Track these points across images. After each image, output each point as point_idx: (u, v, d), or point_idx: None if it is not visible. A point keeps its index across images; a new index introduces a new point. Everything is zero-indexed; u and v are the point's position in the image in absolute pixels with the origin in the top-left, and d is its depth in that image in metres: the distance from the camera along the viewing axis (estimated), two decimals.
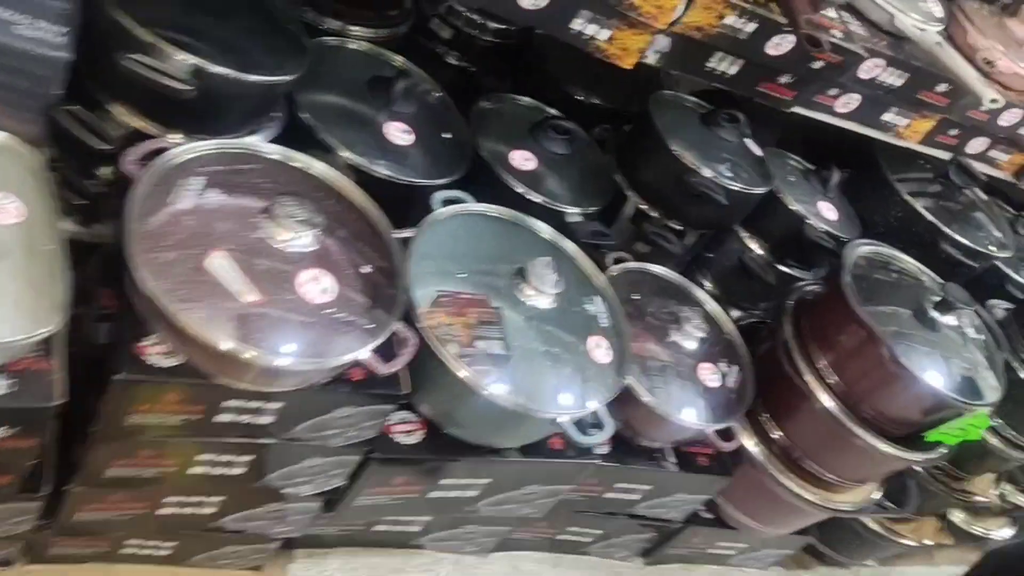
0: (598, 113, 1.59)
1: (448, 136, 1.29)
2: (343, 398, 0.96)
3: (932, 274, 1.51)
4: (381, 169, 1.16)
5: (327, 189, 1.02)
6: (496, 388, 1.05)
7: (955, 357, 1.39)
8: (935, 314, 1.39)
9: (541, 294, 1.14)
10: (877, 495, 1.58)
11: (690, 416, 1.30)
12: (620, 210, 1.48)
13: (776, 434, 1.49)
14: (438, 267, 1.16)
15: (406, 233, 1.21)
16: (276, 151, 0.97)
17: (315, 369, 0.87)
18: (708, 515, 1.60)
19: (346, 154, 1.14)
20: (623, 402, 1.27)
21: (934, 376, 1.33)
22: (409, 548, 1.40)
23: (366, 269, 1.01)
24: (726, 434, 1.37)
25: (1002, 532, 2.11)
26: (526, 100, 1.47)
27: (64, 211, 0.97)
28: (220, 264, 0.85)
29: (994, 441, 1.67)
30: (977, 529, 2.06)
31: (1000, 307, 1.74)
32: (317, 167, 1.01)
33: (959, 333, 1.42)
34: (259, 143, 0.96)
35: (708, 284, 1.66)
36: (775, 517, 1.60)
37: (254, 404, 0.91)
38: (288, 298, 0.87)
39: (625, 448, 1.35)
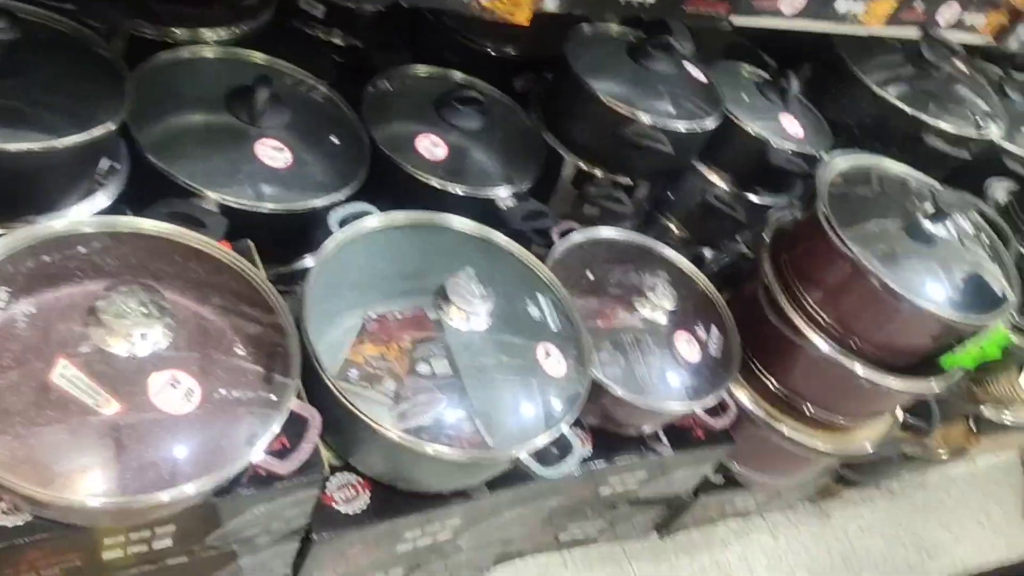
0: (516, 64, 1.39)
1: (336, 140, 1.11)
2: (248, 500, 0.81)
3: (919, 176, 1.33)
4: (259, 202, 0.99)
5: (182, 250, 0.85)
6: (442, 442, 0.90)
7: (958, 269, 1.22)
8: (929, 226, 1.22)
9: (470, 313, 0.98)
10: (897, 427, 1.45)
11: (673, 399, 1.15)
12: (558, 175, 1.30)
13: (773, 385, 1.34)
14: (352, 300, 1.00)
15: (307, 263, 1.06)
16: (100, 224, 0.79)
17: (197, 493, 0.72)
18: (718, 479, 1.48)
19: (213, 194, 0.96)
20: (596, 396, 1.13)
21: (937, 298, 1.17)
22: None
23: (252, 331, 0.86)
24: (719, 407, 1.22)
25: None
26: (425, 69, 1.28)
27: None
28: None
29: (1016, 340, 1.51)
30: (1008, 419, 1.94)
31: (1001, 187, 1.57)
32: (149, 226, 0.82)
33: (958, 240, 1.26)
34: (77, 221, 0.78)
35: (674, 227, 1.49)
36: (789, 470, 1.47)
37: (140, 535, 0.76)
38: (146, 415, 0.71)
39: (609, 441, 1.21)
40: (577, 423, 1.20)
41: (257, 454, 0.74)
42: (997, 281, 1.24)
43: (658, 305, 1.19)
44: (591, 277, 1.22)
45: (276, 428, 0.76)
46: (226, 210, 0.96)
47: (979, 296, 1.22)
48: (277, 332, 0.88)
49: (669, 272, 1.27)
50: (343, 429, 0.95)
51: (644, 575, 1.49)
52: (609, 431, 1.21)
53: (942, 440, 1.73)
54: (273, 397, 0.80)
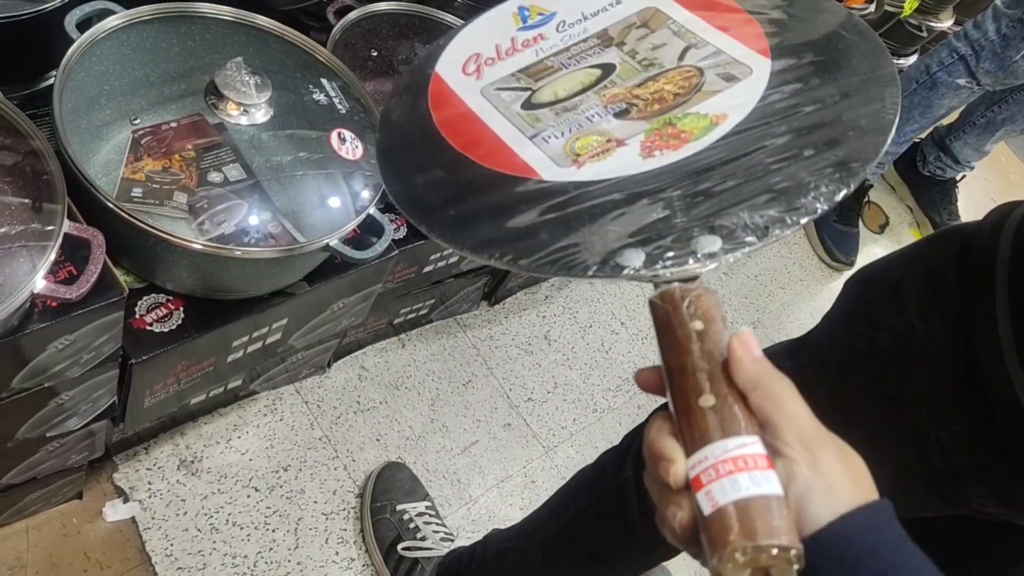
0: None
1: None
2: (47, 333, 0.77)
3: None
4: None
5: None
6: (248, 244, 0.88)
7: None
8: None
9: (248, 107, 0.92)
10: None
11: None
12: None
13: None
14: (115, 112, 0.92)
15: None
16: None
17: None
18: None
19: None
20: None
21: None
22: (241, 399, 1.29)
23: (7, 163, 0.77)
24: None
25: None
26: None
27: None
28: None
29: None
30: None
31: None
32: None
33: None
34: None
35: None
36: None
37: None
38: None
39: None
40: (391, 208, 1.21)
41: (39, 284, 0.69)
42: None
43: None
44: (377, 56, 1.18)
45: (52, 255, 0.71)
46: None
47: None
48: (36, 158, 0.80)
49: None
50: (139, 250, 0.90)
51: (478, 339, 1.58)
52: None
53: None
54: (45, 226, 0.74)
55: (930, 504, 0.76)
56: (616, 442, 1.57)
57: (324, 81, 1.02)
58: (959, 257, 0.72)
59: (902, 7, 1.90)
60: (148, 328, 0.93)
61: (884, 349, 0.74)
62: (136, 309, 0.93)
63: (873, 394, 0.75)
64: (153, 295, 0.94)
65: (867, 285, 0.82)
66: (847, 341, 0.79)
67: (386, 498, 1.26)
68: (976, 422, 0.67)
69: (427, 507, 1.27)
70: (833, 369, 0.80)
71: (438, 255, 1.30)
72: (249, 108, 0.92)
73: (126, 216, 0.84)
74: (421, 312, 1.49)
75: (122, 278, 0.87)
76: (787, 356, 0.86)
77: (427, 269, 1.31)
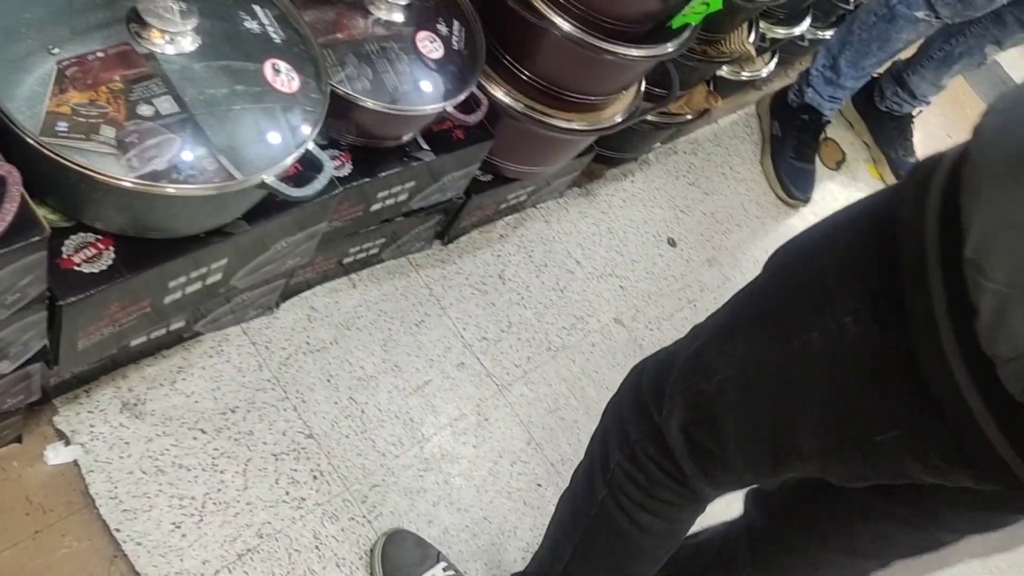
0: None
1: None
2: None
3: None
4: None
5: None
6: (181, 181, 0.85)
7: None
8: None
9: (174, 35, 0.87)
10: (639, 98, 1.52)
11: (423, 101, 1.13)
12: None
13: (525, 75, 1.35)
14: (37, 43, 0.86)
15: None
16: None
17: None
18: (487, 177, 1.52)
19: None
20: (344, 112, 1.09)
21: None
22: (185, 341, 1.27)
23: None
24: (472, 102, 1.22)
25: (769, 67, 2.15)
26: None
27: None
28: None
29: None
30: (745, 75, 2.09)
31: None
32: None
33: None
34: None
35: None
36: (552, 156, 1.52)
37: None
38: None
39: (369, 157, 1.19)
40: (335, 144, 1.17)
41: None
42: None
43: (392, 3, 1.13)
44: None
45: None
46: None
47: None
48: None
49: None
50: (63, 187, 0.86)
51: (431, 279, 1.56)
52: (368, 147, 1.19)
53: (686, 106, 1.85)
54: None
55: (875, 484, 0.74)
56: (568, 378, 1.58)
57: (257, 8, 0.97)
58: (880, 237, 0.65)
59: None
60: (76, 268, 0.89)
61: (818, 351, 0.69)
62: (63, 249, 0.89)
63: (813, 397, 0.72)
64: (81, 234, 0.91)
65: (791, 279, 0.77)
66: (782, 345, 0.74)
67: None
68: (919, 423, 0.63)
69: (444, 568, 1.23)
70: (771, 373, 0.76)
71: (385, 193, 1.27)
72: (175, 36, 0.88)
73: (45, 151, 0.80)
74: (371, 252, 1.46)
75: (47, 216, 0.84)
76: (716, 350, 0.83)
77: (375, 207, 1.28)
